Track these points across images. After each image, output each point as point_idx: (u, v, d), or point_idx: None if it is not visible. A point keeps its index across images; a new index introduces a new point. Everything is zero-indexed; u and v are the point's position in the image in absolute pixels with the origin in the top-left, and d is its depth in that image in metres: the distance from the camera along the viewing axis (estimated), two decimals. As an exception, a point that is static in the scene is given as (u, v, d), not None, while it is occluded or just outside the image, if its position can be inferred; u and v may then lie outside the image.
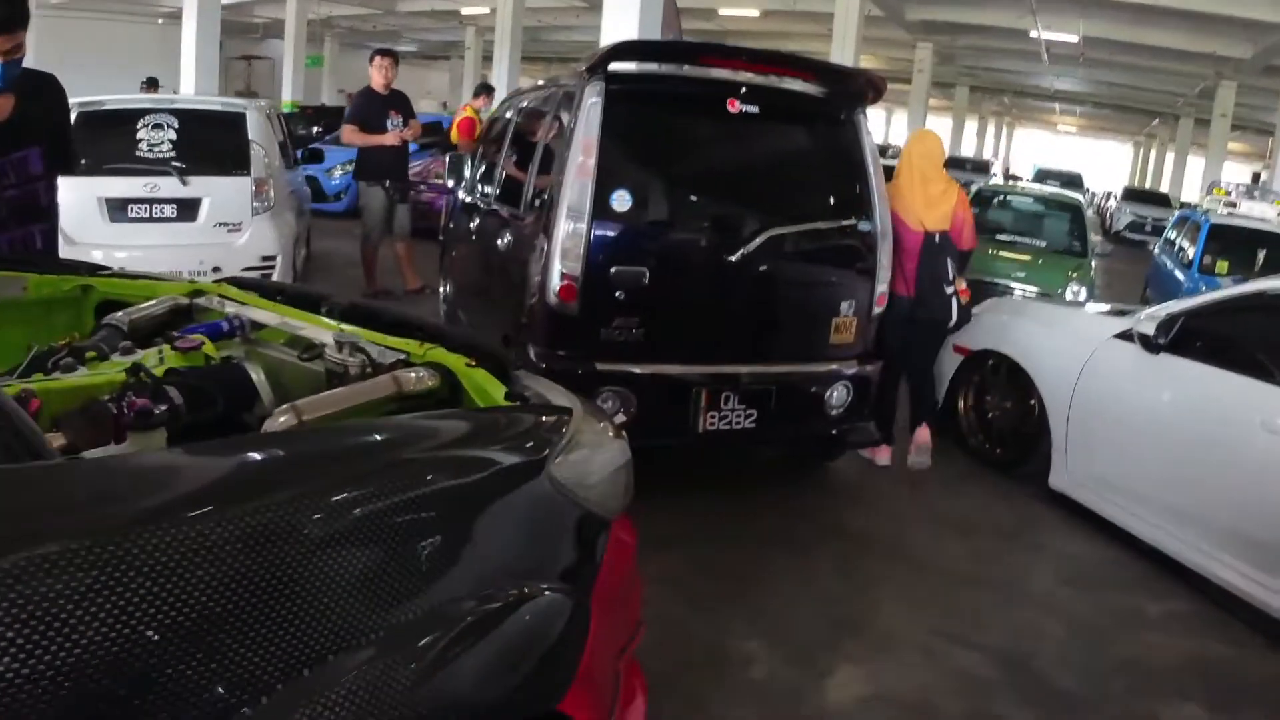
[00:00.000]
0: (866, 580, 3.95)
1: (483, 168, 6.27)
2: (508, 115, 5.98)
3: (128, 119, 6.76)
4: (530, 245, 4.22)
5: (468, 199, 6.40)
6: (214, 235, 6.75)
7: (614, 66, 4.04)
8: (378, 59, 7.94)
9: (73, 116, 6.75)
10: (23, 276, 2.58)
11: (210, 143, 6.96)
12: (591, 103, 3.92)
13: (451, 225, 7.06)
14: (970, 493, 5.00)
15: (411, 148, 8.45)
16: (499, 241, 5.04)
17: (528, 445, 1.67)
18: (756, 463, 5.18)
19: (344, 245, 8.50)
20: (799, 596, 3.69)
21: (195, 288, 2.69)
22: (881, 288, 4.48)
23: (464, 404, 1.98)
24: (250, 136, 6.92)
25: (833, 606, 3.64)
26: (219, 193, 6.78)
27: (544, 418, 1.80)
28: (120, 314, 2.50)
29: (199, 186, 6.71)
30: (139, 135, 6.64)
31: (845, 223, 4.43)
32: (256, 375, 2.05)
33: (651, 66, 4.27)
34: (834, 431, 4.55)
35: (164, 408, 1.74)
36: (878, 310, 4.50)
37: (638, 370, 4.03)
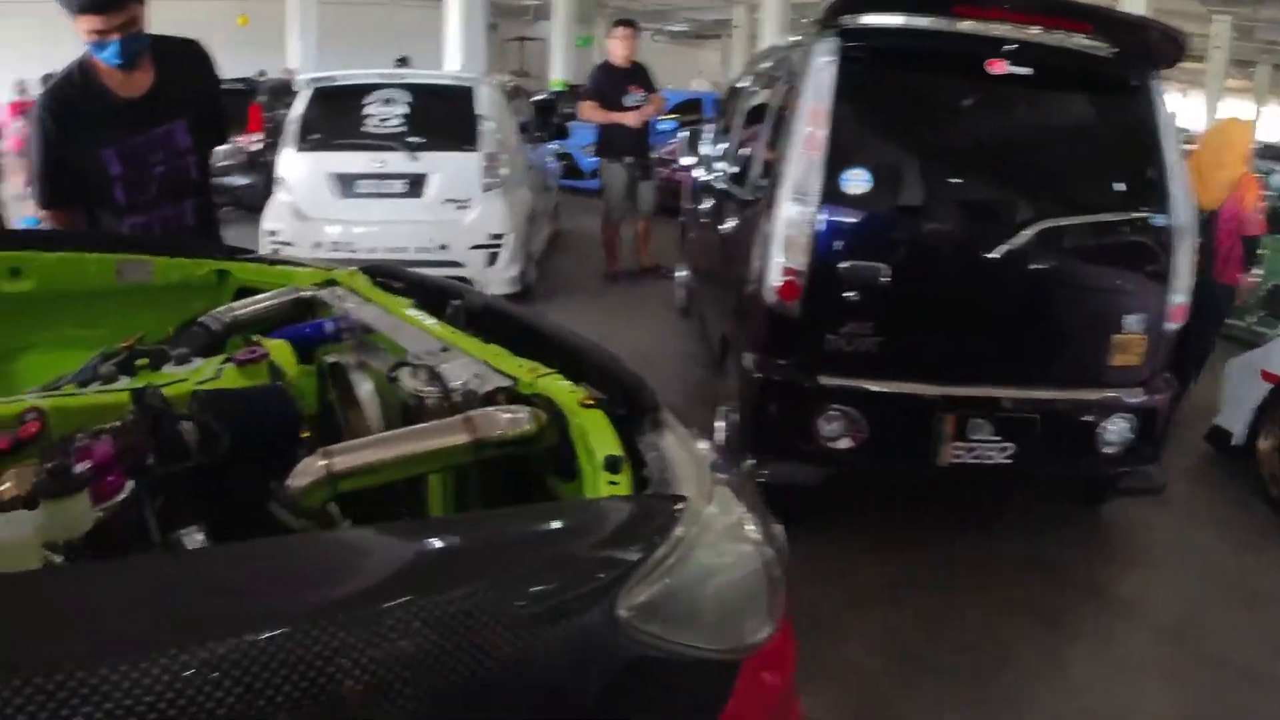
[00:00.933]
0: (1128, 663, 3.16)
1: (718, 143, 5.80)
2: (743, 84, 5.46)
3: (358, 94, 6.77)
4: (752, 232, 3.68)
5: (704, 177, 5.97)
6: (441, 212, 6.68)
7: (851, 19, 3.39)
8: (617, 30, 7.61)
9: (307, 93, 6.99)
10: (149, 260, 2.41)
11: (440, 118, 6.86)
12: (823, 63, 3.31)
13: (690, 205, 6.68)
14: (1270, 557, 4.03)
15: (670, 125, 8.13)
16: (726, 226, 4.57)
17: (584, 567, 1.14)
18: (1003, 499, 4.37)
19: (594, 223, 8.30)
20: (1041, 677, 3.01)
21: (328, 277, 2.41)
22: (1179, 298, 3.56)
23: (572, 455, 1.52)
24: (480, 111, 6.77)
25: (1082, 695, 2.93)
26: (448, 169, 6.68)
27: (633, 514, 1.28)
28: (223, 308, 2.27)
29: (428, 162, 6.64)
30: (369, 111, 6.64)
31: (1135, 215, 3.57)
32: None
33: (897, 20, 3.52)
34: (1107, 474, 3.73)
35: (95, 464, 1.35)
36: (1171, 326, 3.59)
37: (869, 387, 3.40)
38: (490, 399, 1.63)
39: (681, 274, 6.99)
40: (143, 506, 1.49)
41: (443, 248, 6.61)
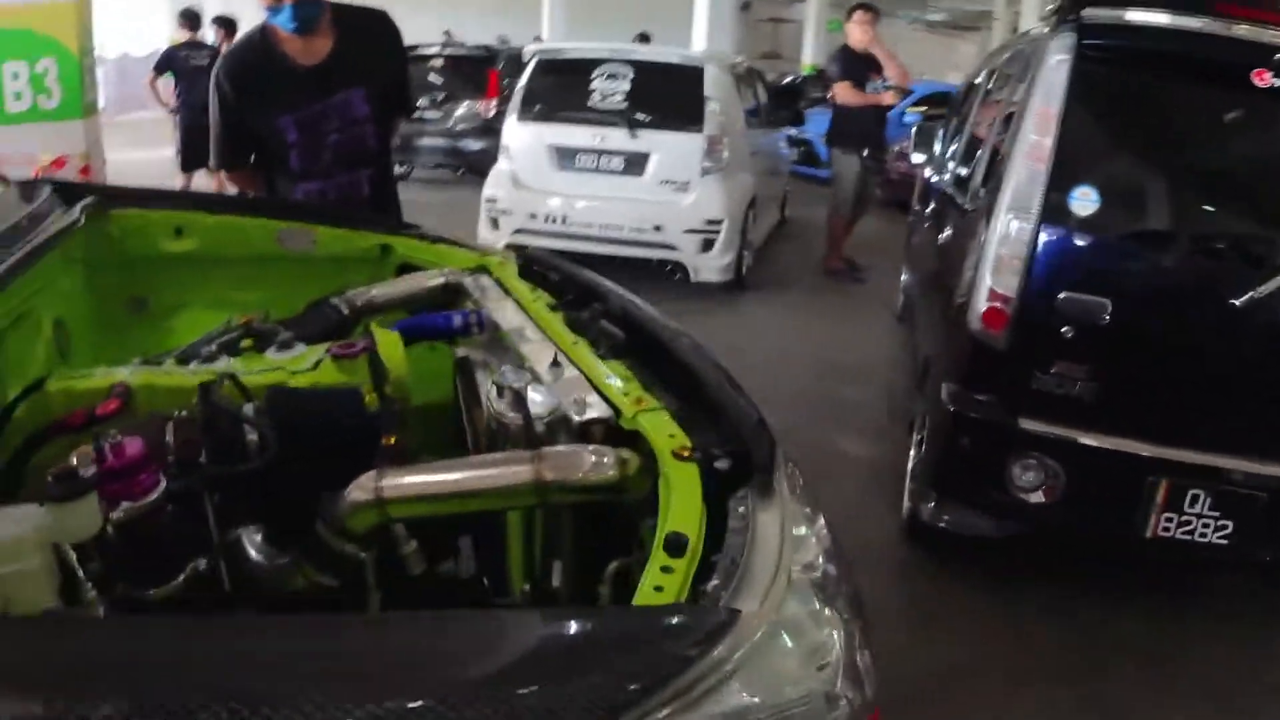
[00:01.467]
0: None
1: (949, 143, 5.35)
2: (978, 80, 4.98)
3: (584, 68, 6.74)
4: (966, 246, 3.29)
5: (931, 177, 5.54)
6: (658, 193, 6.54)
7: (1093, 13, 2.93)
8: (858, 14, 7.18)
9: (532, 64, 7.01)
10: (311, 230, 2.38)
11: (664, 97, 6.70)
12: (1056, 61, 2.86)
13: (917, 205, 6.24)
14: None
15: (915, 118, 7.69)
16: (943, 234, 4.17)
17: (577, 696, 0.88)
18: (1210, 578, 3.67)
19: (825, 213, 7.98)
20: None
21: (481, 262, 2.30)
22: None
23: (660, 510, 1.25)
24: (707, 93, 6.56)
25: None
26: (668, 149, 6.53)
27: (663, 629, 1.01)
28: (360, 289, 2.21)
29: (648, 141, 6.52)
30: (593, 85, 6.58)
31: None
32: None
33: (1149, 17, 2.97)
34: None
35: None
36: None
37: (1076, 438, 2.94)
38: (585, 431, 1.47)
39: (904, 278, 6.55)
40: (199, 504, 1.47)
41: (657, 229, 6.48)
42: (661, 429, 1.40)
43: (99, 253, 2.41)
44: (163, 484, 1.34)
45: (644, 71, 6.68)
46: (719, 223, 6.46)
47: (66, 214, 2.23)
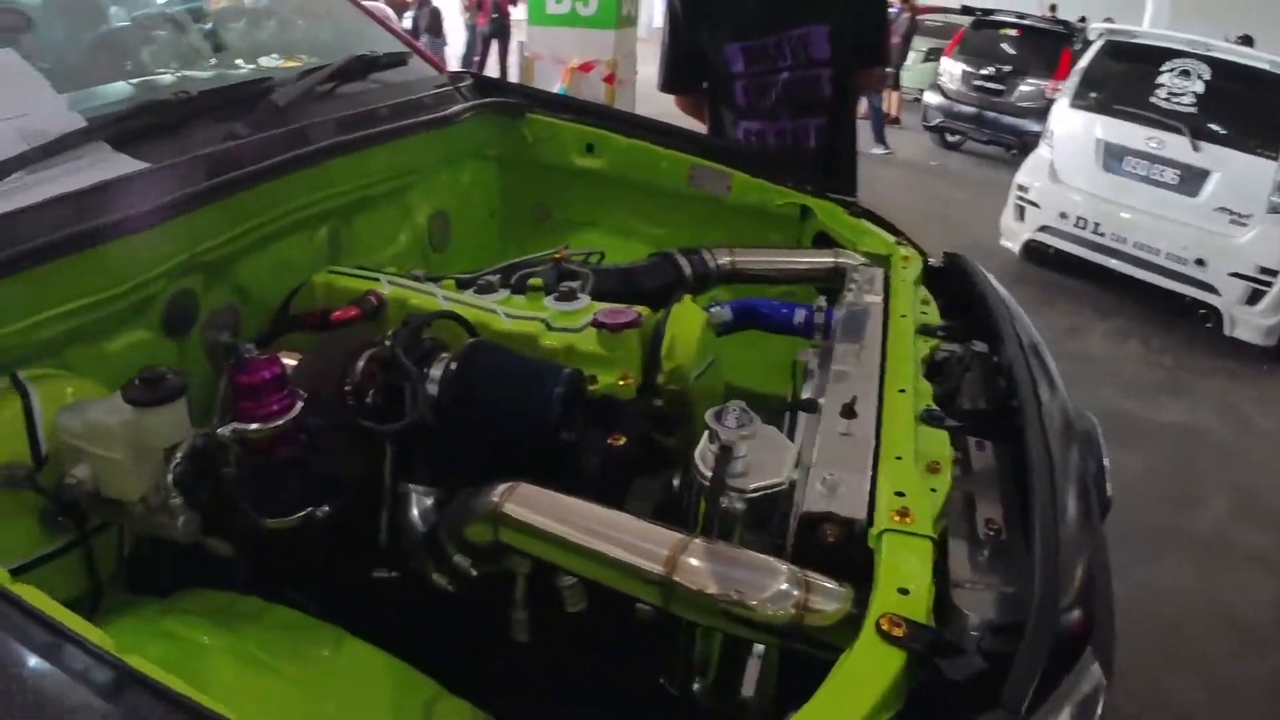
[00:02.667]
0: None
1: None
2: None
3: (1155, 58, 5.85)
4: None
5: None
6: (1210, 220, 5.56)
7: None
8: None
9: (1097, 45, 6.18)
10: (728, 174, 2.21)
11: (1242, 108, 5.65)
12: None
13: None
14: None
15: None
16: None
17: None
18: None
19: None
20: None
21: (890, 252, 1.92)
22: None
23: None
24: (1301, 112, 5.40)
25: None
26: (1233, 171, 5.51)
27: None
28: (717, 248, 1.97)
29: (1211, 156, 5.56)
30: (1160, 79, 5.69)
31: None
32: None
33: None
34: None
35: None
36: None
37: None
38: (811, 530, 1.03)
39: None
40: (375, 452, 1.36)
41: (1198, 263, 5.51)
42: (904, 568, 0.95)
43: (512, 153, 2.45)
44: (294, 412, 1.24)
45: (1223, 73, 5.64)
46: (1276, 274, 5.34)
47: (466, 106, 2.28)
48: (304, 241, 1.81)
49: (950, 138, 11.16)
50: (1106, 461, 1.42)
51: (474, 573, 1.24)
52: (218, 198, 1.50)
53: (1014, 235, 6.31)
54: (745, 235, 2.16)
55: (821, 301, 1.74)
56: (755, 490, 1.10)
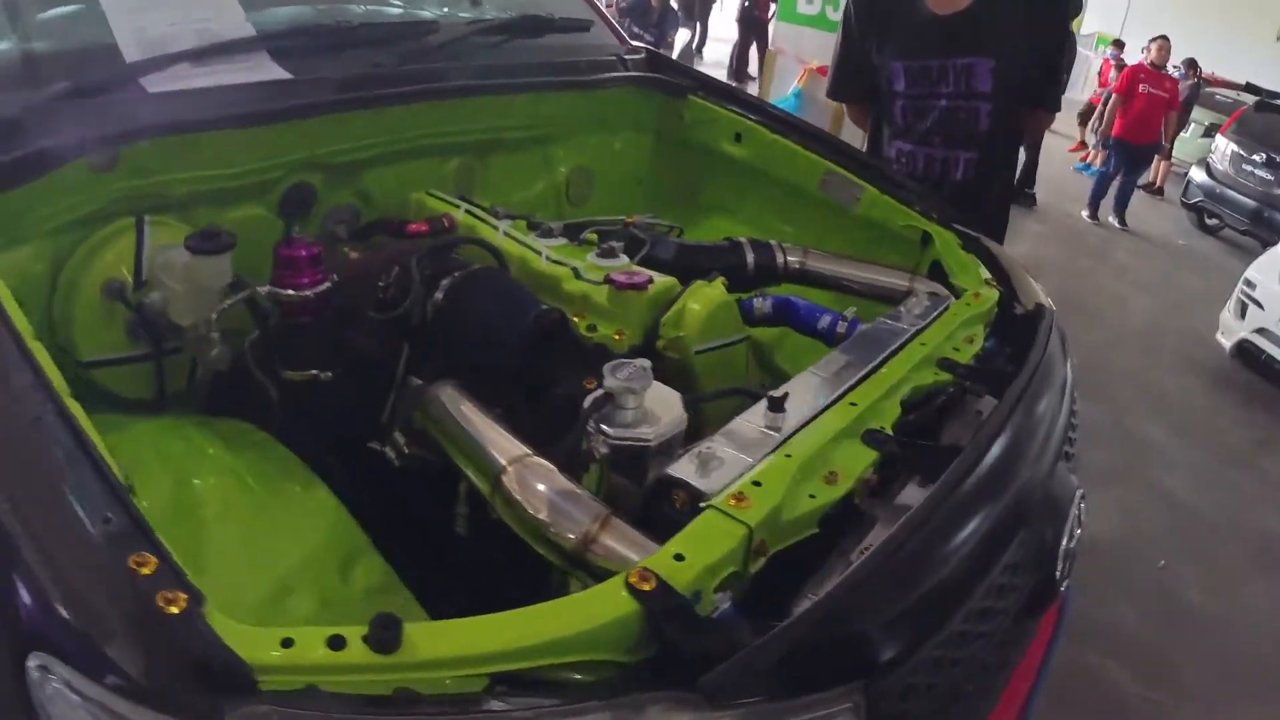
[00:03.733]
0: None
1: None
2: None
3: None
4: None
5: None
6: None
7: None
8: None
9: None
10: (860, 186, 2.23)
11: None
12: None
13: None
14: None
15: None
16: None
17: None
18: None
19: None
20: None
21: (962, 285, 1.92)
22: None
23: None
24: None
25: None
26: None
27: None
28: (792, 246, 2.05)
29: None
30: None
31: None
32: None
33: None
34: None
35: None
36: None
37: None
38: (663, 491, 1.13)
39: None
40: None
41: None
42: (700, 541, 1.01)
43: (669, 130, 2.56)
44: (320, 288, 1.51)
45: None
46: None
47: (618, 76, 2.42)
48: (433, 166, 2.06)
49: (1209, 220, 10.34)
50: (1069, 542, 1.37)
51: (406, 450, 1.44)
52: (338, 110, 1.77)
53: (1230, 332, 5.84)
54: (865, 250, 2.18)
55: (850, 312, 1.80)
56: (617, 439, 1.20)
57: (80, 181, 1.45)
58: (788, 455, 1.16)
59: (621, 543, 1.09)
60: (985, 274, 1.93)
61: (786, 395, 1.27)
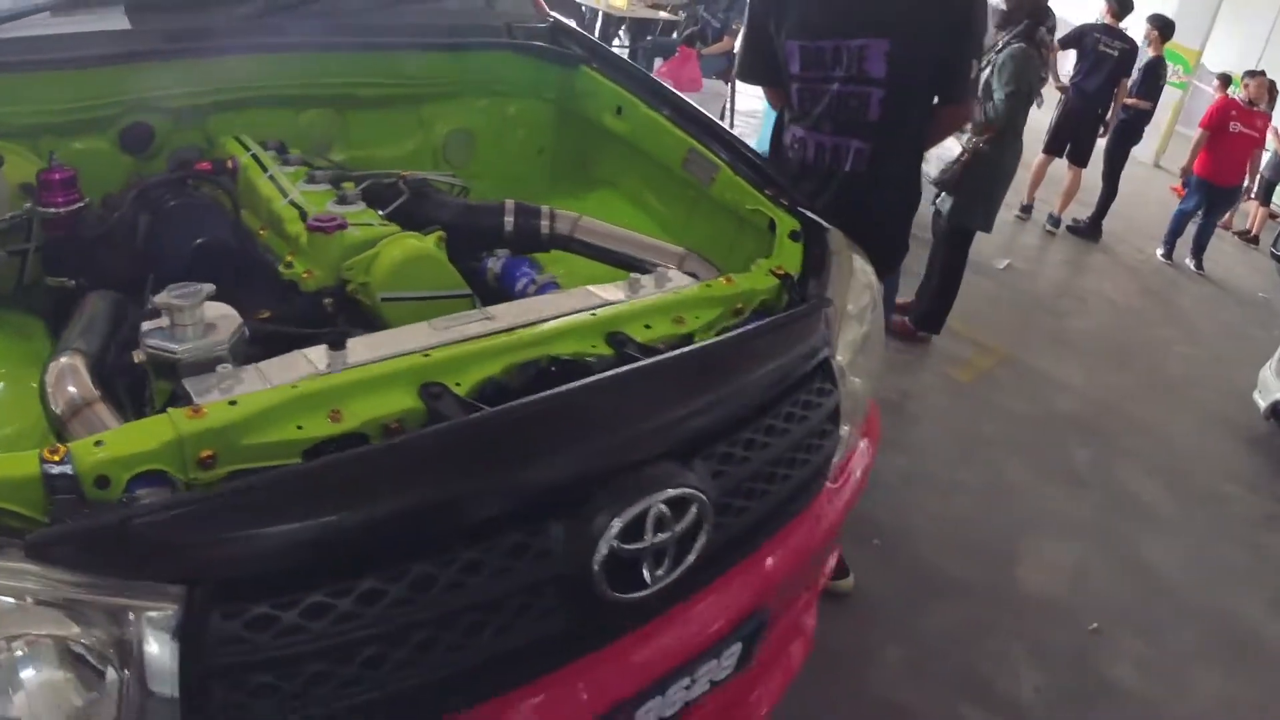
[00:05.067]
0: None
1: None
2: None
3: None
4: None
5: None
6: None
7: None
8: None
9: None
10: (717, 165, 2.11)
11: None
12: None
13: None
14: None
15: None
16: None
17: None
18: None
19: None
20: None
21: (755, 269, 1.82)
22: None
23: None
24: None
25: None
26: None
27: None
28: (573, 215, 2.00)
29: None
30: None
31: None
32: None
33: None
34: None
35: None
36: None
37: None
38: (177, 399, 1.27)
39: None
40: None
41: None
42: (128, 435, 1.10)
43: (564, 100, 2.51)
44: (72, 208, 1.72)
45: None
46: None
47: (491, 41, 2.42)
48: (286, 116, 2.17)
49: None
50: (635, 542, 1.21)
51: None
52: (162, 59, 1.89)
53: (1268, 391, 5.34)
54: (722, 233, 2.12)
55: (544, 276, 1.85)
56: (150, 348, 1.30)
57: None
58: (294, 386, 1.20)
59: (93, 426, 1.20)
60: (780, 264, 1.81)
61: (346, 336, 1.32)
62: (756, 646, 1.57)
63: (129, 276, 1.67)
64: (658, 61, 8.14)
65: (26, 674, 0.95)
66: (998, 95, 4.62)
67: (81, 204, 1.73)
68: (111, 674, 0.98)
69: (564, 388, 1.25)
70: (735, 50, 7.52)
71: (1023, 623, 3.17)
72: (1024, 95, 4.68)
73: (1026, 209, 8.54)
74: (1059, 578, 3.50)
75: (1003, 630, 3.11)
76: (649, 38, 8.49)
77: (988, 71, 4.62)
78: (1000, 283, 6.74)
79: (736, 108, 8.25)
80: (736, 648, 1.50)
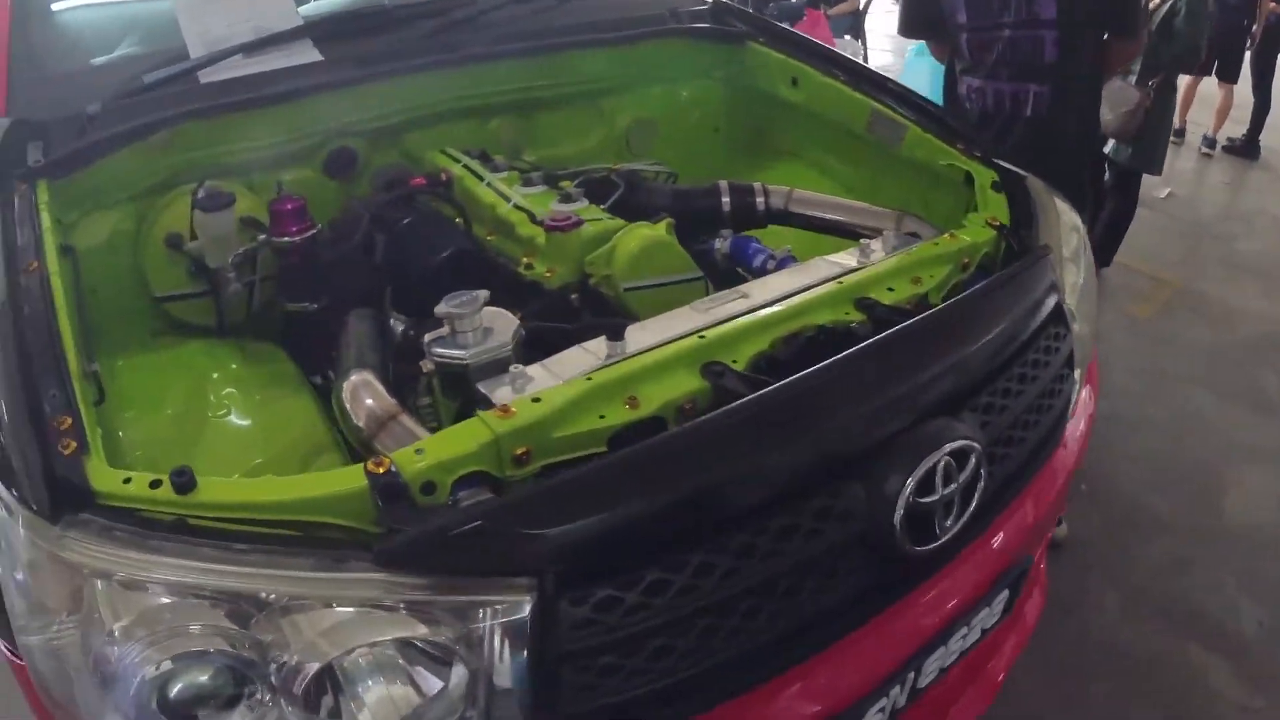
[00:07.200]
0: None
1: None
2: None
3: None
4: None
5: None
6: None
7: None
8: None
9: None
10: (903, 125, 2.10)
11: None
12: None
13: None
14: None
15: None
16: None
17: None
18: None
19: None
20: None
21: (964, 224, 1.80)
22: None
23: None
24: None
25: None
26: None
27: None
28: (785, 191, 2.01)
29: None
30: None
31: None
32: None
33: None
34: None
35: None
36: None
37: None
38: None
39: None
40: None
41: None
42: (450, 441, 1.16)
43: (734, 78, 2.55)
44: (307, 235, 1.79)
45: None
46: None
47: (651, 31, 2.46)
48: (474, 127, 2.28)
49: None
50: (929, 496, 1.26)
51: None
52: (356, 84, 2.01)
53: None
54: (913, 191, 2.11)
55: (782, 250, 1.84)
56: (438, 356, 1.35)
57: (141, 158, 1.78)
58: (589, 379, 1.24)
59: (401, 437, 1.25)
60: (993, 215, 1.80)
61: (625, 327, 1.37)
62: (1020, 592, 1.61)
63: (364, 293, 1.72)
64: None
65: (368, 684, 1.00)
66: (1183, 29, 4.45)
67: (314, 230, 1.81)
68: (459, 670, 1.02)
69: (840, 356, 1.28)
70: (861, 7, 7.42)
71: (1235, 555, 3.07)
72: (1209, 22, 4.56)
73: (1179, 133, 8.15)
74: (1265, 505, 3.38)
75: (1215, 565, 3.02)
76: (772, 3, 8.39)
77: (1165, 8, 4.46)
78: (1163, 212, 6.49)
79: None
80: (1004, 594, 1.54)
